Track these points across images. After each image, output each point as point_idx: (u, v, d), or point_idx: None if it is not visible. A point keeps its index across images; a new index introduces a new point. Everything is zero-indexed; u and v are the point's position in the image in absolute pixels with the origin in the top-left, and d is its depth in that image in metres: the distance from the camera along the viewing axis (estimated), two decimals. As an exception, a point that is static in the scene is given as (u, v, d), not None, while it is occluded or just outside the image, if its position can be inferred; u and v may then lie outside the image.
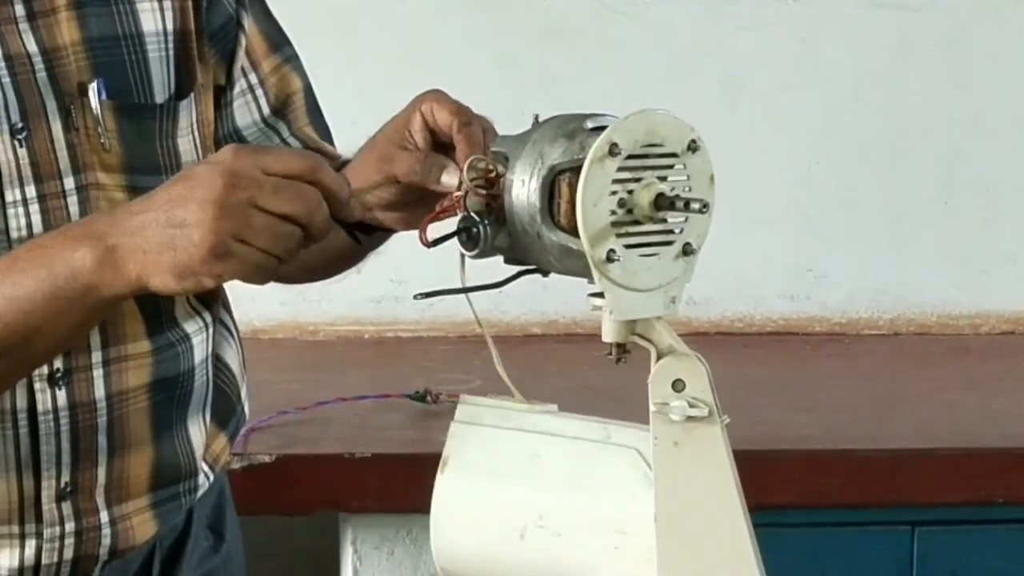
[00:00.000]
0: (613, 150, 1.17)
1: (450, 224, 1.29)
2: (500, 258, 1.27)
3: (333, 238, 1.44)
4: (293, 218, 1.25)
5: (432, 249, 1.30)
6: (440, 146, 1.38)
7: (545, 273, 1.26)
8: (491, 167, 1.25)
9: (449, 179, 1.34)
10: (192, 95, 1.47)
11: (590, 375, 2.12)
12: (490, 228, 1.25)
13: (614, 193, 1.18)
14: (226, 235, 1.23)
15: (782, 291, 2.77)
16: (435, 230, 1.31)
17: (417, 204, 1.37)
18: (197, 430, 1.53)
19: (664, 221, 1.20)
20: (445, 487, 1.29)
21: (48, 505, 1.42)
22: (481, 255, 1.26)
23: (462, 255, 1.26)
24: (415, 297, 1.32)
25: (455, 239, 1.27)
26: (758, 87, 2.74)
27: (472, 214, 1.26)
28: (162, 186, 1.29)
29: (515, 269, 1.27)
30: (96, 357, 1.42)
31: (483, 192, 1.25)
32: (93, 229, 1.29)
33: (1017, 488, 2.13)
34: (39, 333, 1.29)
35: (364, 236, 1.45)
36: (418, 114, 1.35)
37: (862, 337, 2.77)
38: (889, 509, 2.15)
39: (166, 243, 1.25)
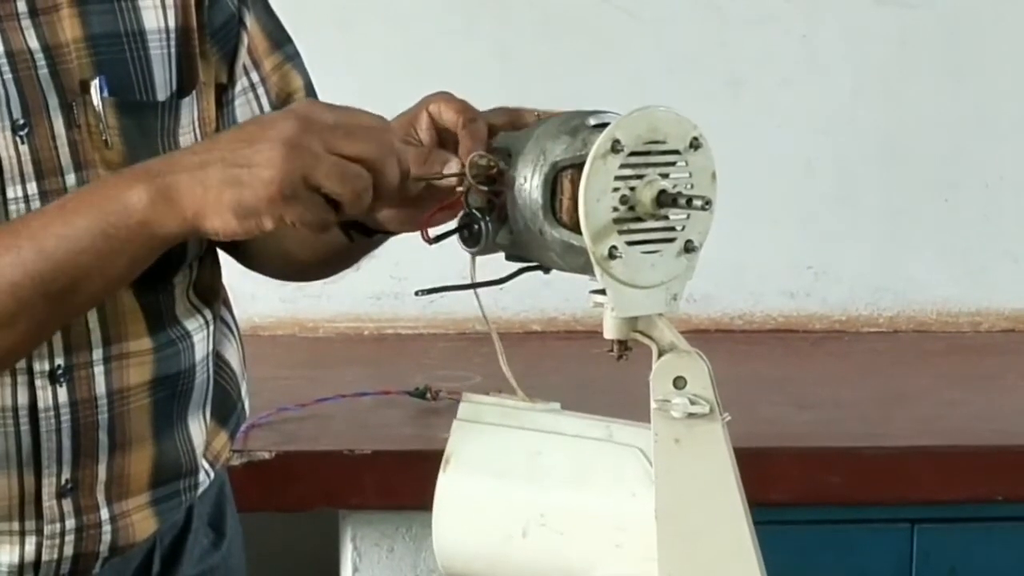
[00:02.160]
0: (615, 147, 1.18)
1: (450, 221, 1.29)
2: (501, 255, 1.27)
3: (326, 237, 1.44)
4: (365, 161, 1.24)
5: (432, 246, 1.30)
6: (445, 145, 1.37)
7: (546, 270, 1.26)
8: (492, 163, 1.25)
9: (451, 173, 1.33)
10: (194, 93, 1.47)
11: (590, 372, 2.12)
12: (491, 225, 1.25)
13: (616, 190, 1.18)
14: (296, 176, 1.22)
15: (782, 288, 2.77)
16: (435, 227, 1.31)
17: (417, 202, 1.37)
18: (198, 427, 1.53)
19: (666, 218, 1.20)
20: (447, 486, 1.29)
21: (49, 502, 1.42)
22: (482, 252, 1.26)
23: (472, 254, 1.26)
24: (416, 294, 1.32)
25: (456, 236, 1.27)
26: (758, 83, 2.74)
27: (473, 211, 1.26)
28: (228, 130, 1.28)
29: (516, 266, 1.27)
30: (97, 354, 1.42)
31: (484, 189, 1.25)
32: (149, 168, 1.28)
33: (1017, 486, 2.13)
34: (89, 274, 1.28)
35: (359, 236, 1.45)
36: (425, 112, 1.35)
37: (862, 334, 2.77)
38: (889, 506, 2.15)
39: (231, 181, 1.23)
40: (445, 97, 1.36)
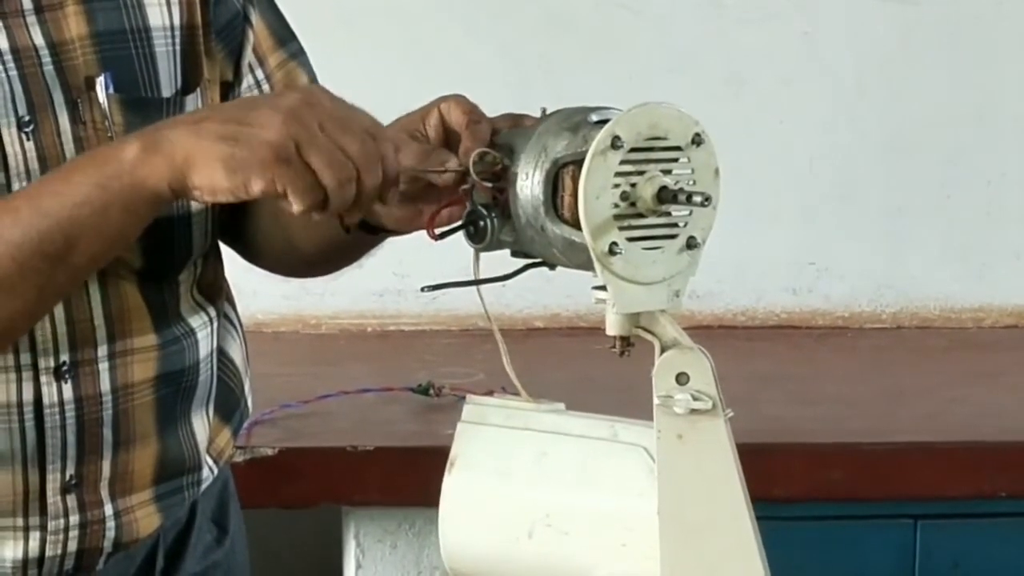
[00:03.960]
0: (615, 143, 1.18)
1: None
2: (506, 252, 1.27)
3: (328, 229, 1.44)
4: (350, 157, 1.24)
5: (435, 242, 1.30)
6: (451, 146, 1.37)
7: (551, 266, 1.26)
8: (497, 160, 1.26)
9: (449, 174, 1.33)
10: (199, 90, 1.48)
11: (593, 369, 2.12)
12: (496, 221, 1.25)
13: (617, 186, 1.18)
14: (291, 141, 1.23)
15: (785, 285, 2.77)
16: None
17: (417, 200, 1.37)
18: (201, 424, 1.53)
19: (668, 214, 1.20)
20: (453, 487, 1.29)
21: (53, 498, 1.42)
22: (487, 248, 1.26)
23: (476, 250, 1.26)
24: (422, 290, 1.32)
25: (461, 232, 1.27)
26: (760, 81, 2.74)
27: (478, 207, 1.26)
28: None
29: (522, 262, 1.28)
30: (102, 351, 1.42)
31: (489, 185, 1.26)
32: (148, 128, 1.30)
33: (1020, 481, 2.13)
34: (85, 230, 1.28)
35: (356, 230, 1.45)
36: (436, 110, 1.36)
37: (865, 331, 2.77)
38: (892, 502, 2.15)
39: (226, 135, 1.24)
40: (457, 99, 1.36)
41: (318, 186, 1.25)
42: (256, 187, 1.24)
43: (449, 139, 1.35)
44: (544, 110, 1.27)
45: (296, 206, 1.25)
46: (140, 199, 1.28)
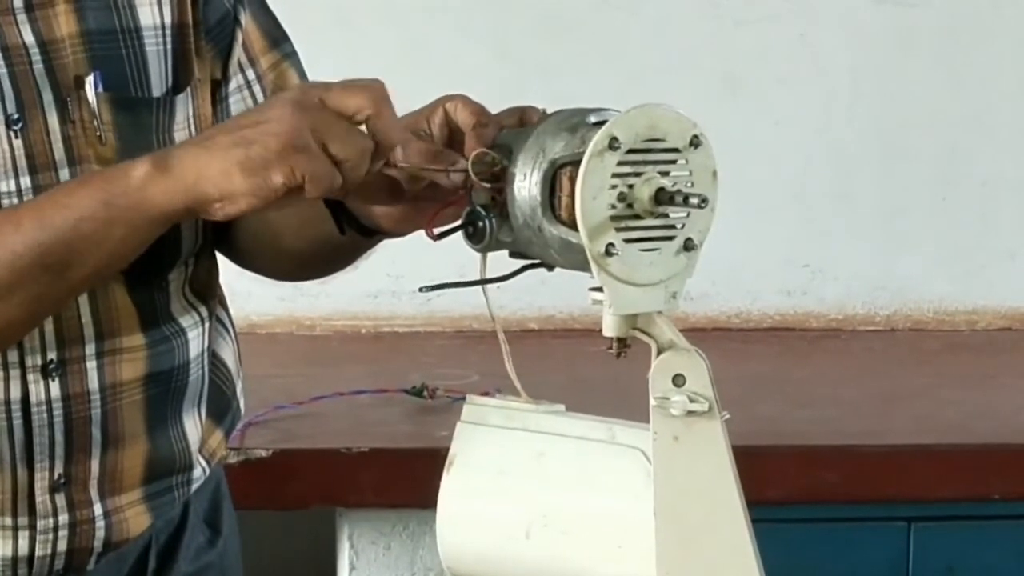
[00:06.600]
0: (613, 144, 1.17)
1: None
2: (503, 253, 1.27)
3: (320, 231, 1.44)
4: (360, 113, 1.26)
5: (434, 243, 1.30)
6: (454, 145, 1.37)
7: (550, 267, 1.26)
8: (496, 160, 1.25)
9: (456, 175, 1.33)
10: (189, 89, 1.47)
11: (587, 371, 2.12)
12: (495, 222, 1.25)
13: (614, 187, 1.18)
14: (305, 129, 1.23)
15: (779, 287, 2.77)
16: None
17: (416, 200, 1.37)
18: (192, 424, 1.53)
19: (665, 216, 1.20)
20: (451, 487, 1.28)
21: (41, 497, 1.42)
22: (486, 249, 1.26)
23: (475, 250, 1.26)
24: (420, 290, 1.32)
25: (460, 233, 1.27)
26: (756, 82, 2.74)
27: (477, 208, 1.26)
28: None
29: (520, 263, 1.27)
30: (90, 349, 1.42)
31: (488, 186, 1.25)
32: (160, 150, 1.30)
33: (1013, 484, 2.13)
34: (87, 245, 1.28)
35: (356, 235, 1.45)
36: (441, 109, 1.35)
37: (859, 333, 2.77)
38: (885, 504, 2.15)
39: (239, 141, 1.24)
40: (463, 98, 1.36)
41: (334, 170, 1.24)
42: (277, 180, 1.23)
43: (453, 138, 1.35)
44: (544, 111, 1.27)
45: (312, 192, 1.25)
46: (146, 218, 1.28)
